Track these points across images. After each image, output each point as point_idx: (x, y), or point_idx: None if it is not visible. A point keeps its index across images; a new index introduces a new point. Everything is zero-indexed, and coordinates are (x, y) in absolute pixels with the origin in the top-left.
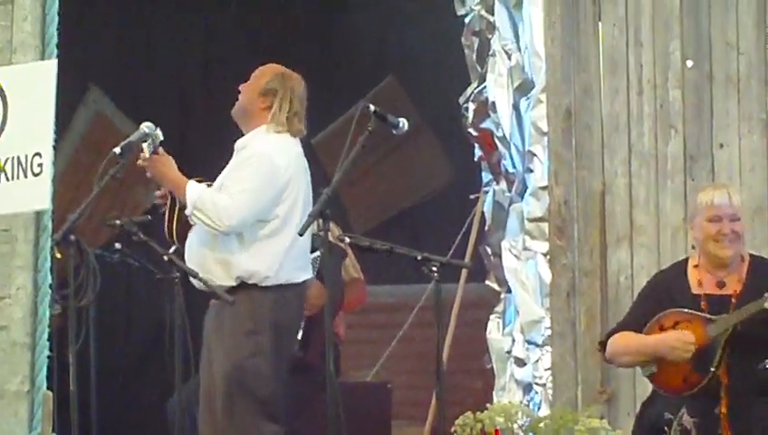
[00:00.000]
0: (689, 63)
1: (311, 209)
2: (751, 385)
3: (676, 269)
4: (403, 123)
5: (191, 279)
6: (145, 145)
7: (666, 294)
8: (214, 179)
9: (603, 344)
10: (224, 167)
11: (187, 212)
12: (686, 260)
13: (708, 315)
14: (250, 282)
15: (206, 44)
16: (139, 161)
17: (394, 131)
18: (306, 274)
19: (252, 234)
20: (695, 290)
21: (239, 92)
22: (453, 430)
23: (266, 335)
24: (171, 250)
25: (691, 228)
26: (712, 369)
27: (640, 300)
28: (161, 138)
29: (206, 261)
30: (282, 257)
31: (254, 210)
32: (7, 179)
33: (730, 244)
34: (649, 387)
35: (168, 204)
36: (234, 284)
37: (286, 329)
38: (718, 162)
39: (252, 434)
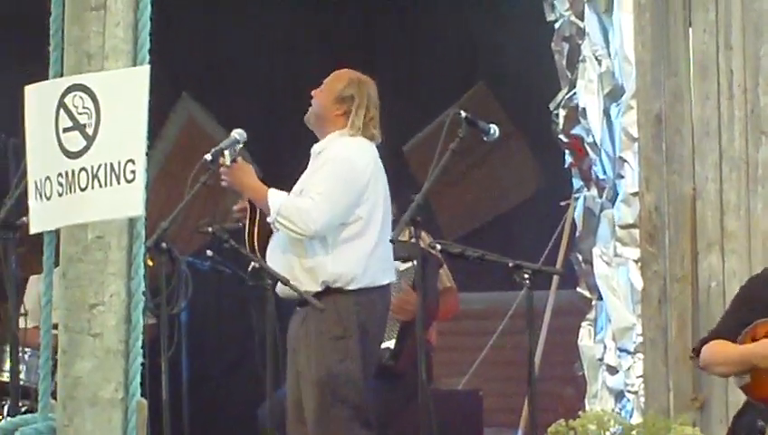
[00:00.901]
0: None
1: (391, 212)
2: None
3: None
4: (494, 129)
5: (277, 287)
6: (227, 153)
7: (759, 299)
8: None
9: (697, 352)
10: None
11: (270, 219)
12: None
13: None
14: (335, 286)
15: (293, 50)
16: (221, 169)
17: (485, 138)
18: (390, 276)
19: (335, 237)
20: None
21: (311, 98)
22: None
23: (354, 339)
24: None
25: None
26: None
27: (734, 306)
28: (241, 145)
29: (291, 268)
30: (366, 260)
31: (337, 212)
32: (100, 186)
33: None
34: (743, 394)
35: (248, 216)
36: (319, 289)
37: (373, 332)
38: None
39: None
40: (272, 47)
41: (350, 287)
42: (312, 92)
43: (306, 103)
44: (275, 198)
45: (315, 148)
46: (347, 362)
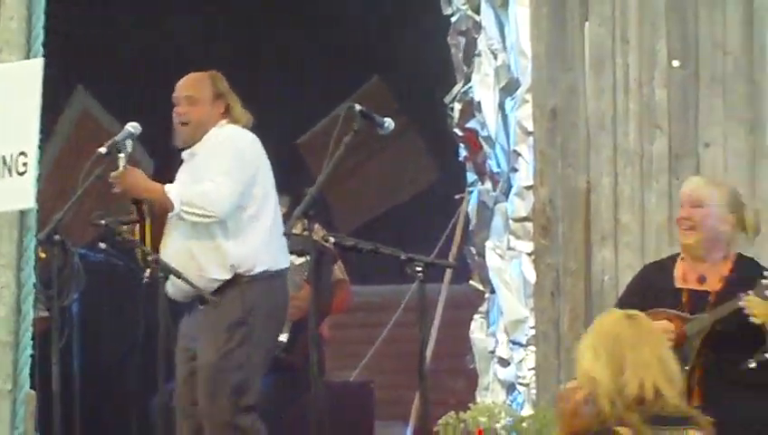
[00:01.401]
0: (675, 63)
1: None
2: (726, 384)
3: (665, 262)
4: (388, 123)
5: (168, 289)
6: (121, 157)
7: (650, 286)
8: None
9: None
10: None
11: (173, 213)
12: (678, 253)
13: (686, 315)
14: (240, 271)
15: (188, 43)
16: (111, 177)
17: (379, 131)
18: (287, 260)
19: (235, 221)
20: (678, 284)
21: (178, 117)
22: (436, 429)
23: (256, 325)
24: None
25: None
26: (686, 368)
27: (627, 292)
28: (135, 138)
29: (195, 258)
30: (267, 241)
31: (239, 190)
32: None
33: (687, 231)
34: None
35: (137, 217)
36: (228, 276)
37: (275, 319)
38: (703, 161)
39: (230, 420)
40: (167, 40)
41: (254, 272)
42: (179, 111)
43: None
44: (174, 191)
45: (191, 150)
46: (245, 346)
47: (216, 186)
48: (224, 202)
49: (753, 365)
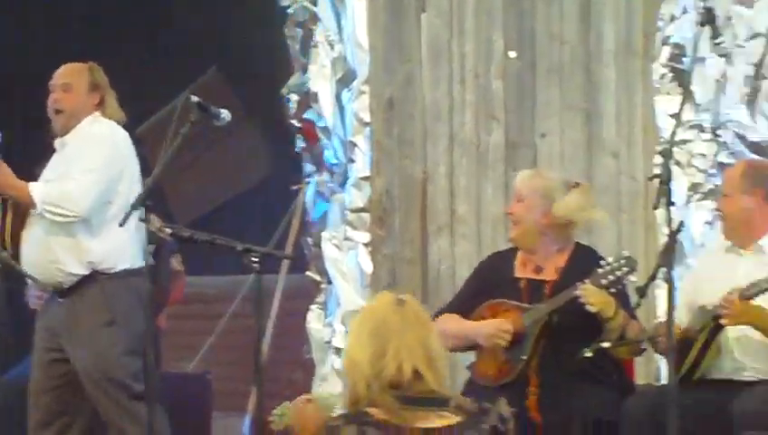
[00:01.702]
0: (512, 54)
1: None
2: (563, 374)
3: (507, 252)
4: (225, 114)
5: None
6: None
7: (491, 274)
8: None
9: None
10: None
11: (37, 211)
12: None
13: (524, 305)
14: (101, 268)
15: (29, 36)
16: None
17: (216, 123)
18: (142, 259)
19: (99, 217)
20: (517, 273)
21: (52, 104)
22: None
23: (122, 324)
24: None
25: None
26: (524, 357)
27: (469, 280)
28: None
29: (55, 253)
30: (129, 239)
31: (102, 188)
32: None
33: (512, 226)
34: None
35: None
36: (86, 272)
37: (137, 314)
38: (540, 152)
39: (124, 413)
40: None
41: (116, 269)
42: (53, 98)
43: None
44: (37, 189)
45: (62, 139)
46: (122, 344)
47: (79, 185)
48: (86, 201)
49: (588, 354)
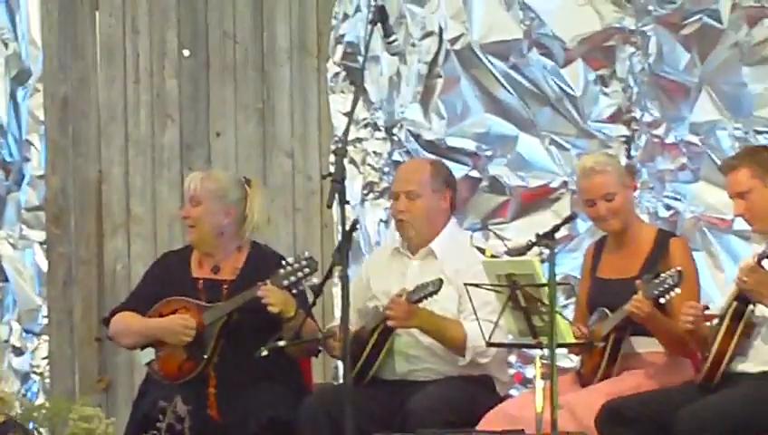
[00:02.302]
0: (186, 53)
1: None
2: (242, 373)
3: (183, 251)
4: None
5: None
6: None
7: (167, 274)
8: None
9: (107, 321)
10: None
11: None
12: None
13: (204, 303)
14: None
15: None
16: None
17: None
18: None
19: None
20: (195, 273)
21: None
22: None
23: None
24: None
25: None
26: (205, 356)
27: (145, 280)
28: None
29: None
30: None
31: None
32: None
33: (189, 229)
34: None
35: None
36: None
37: None
38: (215, 151)
39: None
40: None
41: None
42: None
43: None
44: None
45: None
46: None
47: None
48: None
49: (265, 353)
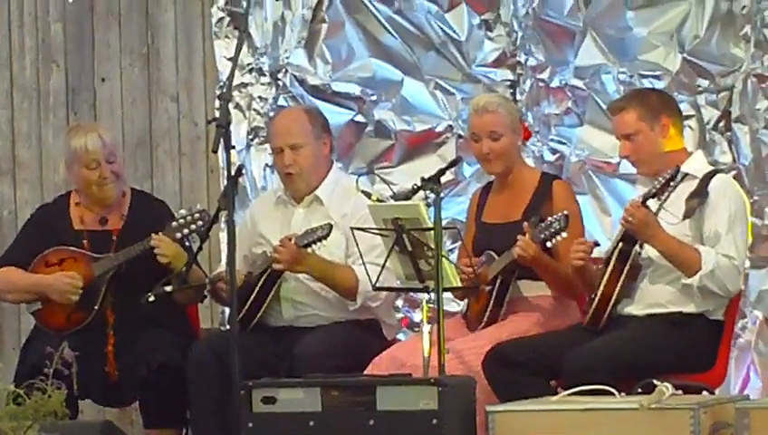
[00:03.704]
0: None
1: None
2: (135, 321)
3: (59, 204)
4: None
5: None
6: None
7: (47, 228)
8: None
9: None
10: None
11: None
12: (69, 194)
13: (94, 254)
14: None
15: None
16: None
17: None
18: None
19: None
20: (77, 226)
21: None
22: None
23: None
24: None
25: (69, 174)
26: (96, 307)
27: (24, 233)
28: None
29: None
30: None
31: None
32: None
33: (113, 185)
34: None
35: None
36: None
37: None
38: (100, 96)
39: None
40: None
41: None
42: None
43: None
44: None
45: None
46: None
47: None
48: None
49: (152, 299)
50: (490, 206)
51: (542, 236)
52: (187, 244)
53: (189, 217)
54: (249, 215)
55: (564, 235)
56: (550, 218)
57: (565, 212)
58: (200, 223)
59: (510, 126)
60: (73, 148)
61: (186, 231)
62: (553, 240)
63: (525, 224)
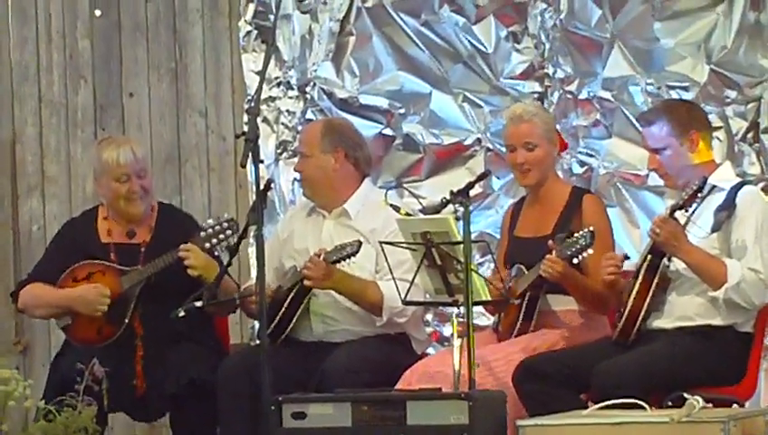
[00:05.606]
0: (98, 12)
1: None
2: (164, 334)
3: (86, 218)
4: None
5: None
6: None
7: (75, 243)
8: None
9: (16, 295)
10: None
11: None
12: (97, 208)
13: (122, 267)
14: None
15: None
16: None
17: None
18: None
19: None
20: (104, 239)
21: None
22: None
23: None
24: None
25: (98, 186)
26: (126, 321)
27: (51, 249)
28: None
29: None
30: None
31: None
32: None
33: (141, 200)
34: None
35: None
36: None
37: None
38: (128, 111)
39: None
40: None
41: None
42: None
43: None
44: None
45: None
46: None
47: None
48: None
49: (181, 314)
50: (522, 220)
51: (569, 253)
52: (216, 254)
53: (218, 227)
54: (280, 228)
55: (590, 251)
56: (576, 235)
57: (591, 228)
58: (229, 232)
59: (545, 136)
60: (105, 160)
61: (214, 241)
62: (580, 256)
63: (550, 242)
